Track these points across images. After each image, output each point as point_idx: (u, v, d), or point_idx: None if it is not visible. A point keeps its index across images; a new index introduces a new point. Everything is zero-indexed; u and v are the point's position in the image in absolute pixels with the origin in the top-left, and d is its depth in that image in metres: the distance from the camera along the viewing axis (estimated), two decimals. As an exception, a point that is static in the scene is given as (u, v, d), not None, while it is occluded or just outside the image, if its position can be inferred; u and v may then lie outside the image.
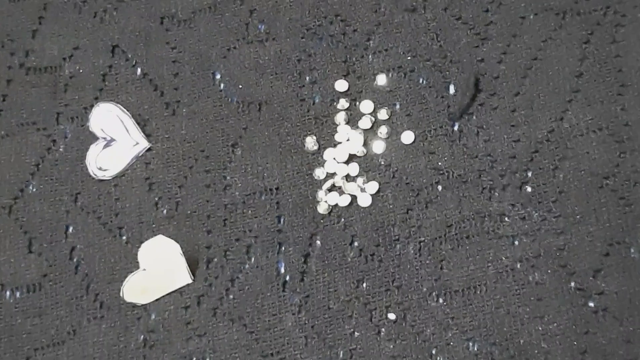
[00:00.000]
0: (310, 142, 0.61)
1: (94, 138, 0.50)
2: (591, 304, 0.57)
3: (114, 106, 0.52)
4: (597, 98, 0.61)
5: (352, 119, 0.62)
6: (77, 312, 0.59)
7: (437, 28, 0.63)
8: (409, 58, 0.63)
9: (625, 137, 0.60)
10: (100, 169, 0.50)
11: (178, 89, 0.63)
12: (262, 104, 0.63)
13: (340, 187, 0.60)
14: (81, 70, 0.64)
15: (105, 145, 0.50)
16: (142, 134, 0.51)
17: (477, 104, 0.62)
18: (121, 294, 0.58)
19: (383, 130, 0.61)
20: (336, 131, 0.62)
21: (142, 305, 0.59)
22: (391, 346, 0.57)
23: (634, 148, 0.60)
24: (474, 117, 0.61)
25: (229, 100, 0.63)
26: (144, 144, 0.51)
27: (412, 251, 0.58)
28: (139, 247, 0.57)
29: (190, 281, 0.59)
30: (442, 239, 0.58)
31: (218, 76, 0.64)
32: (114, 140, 0.50)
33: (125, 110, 0.51)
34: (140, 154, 0.51)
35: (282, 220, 0.60)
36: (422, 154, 0.60)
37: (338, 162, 0.61)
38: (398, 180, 0.60)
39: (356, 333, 0.57)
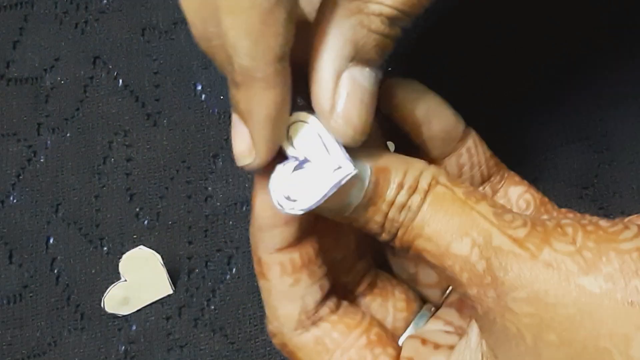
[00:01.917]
0: (291, 153, 0.61)
1: (281, 156, 0.38)
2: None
3: (313, 118, 0.38)
4: (576, 108, 0.62)
5: (333, 130, 0.62)
6: (57, 323, 0.59)
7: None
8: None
9: (605, 147, 0.61)
10: (288, 198, 0.37)
11: (159, 100, 0.63)
12: (243, 115, 0.63)
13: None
14: (62, 81, 0.64)
15: (297, 167, 0.38)
16: (347, 155, 0.38)
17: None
18: (102, 305, 0.58)
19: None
20: (317, 142, 0.62)
21: (123, 316, 0.59)
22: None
23: (612, 158, 0.60)
24: (454, 128, 0.62)
25: (210, 111, 0.63)
26: (348, 168, 0.37)
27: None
28: (120, 258, 0.57)
29: (171, 292, 0.59)
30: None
31: (199, 87, 0.64)
32: (307, 162, 0.38)
33: (322, 126, 0.38)
34: (342, 182, 0.37)
35: (263, 230, 0.60)
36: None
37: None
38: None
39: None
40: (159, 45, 0.65)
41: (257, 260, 0.42)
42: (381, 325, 0.44)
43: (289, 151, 0.38)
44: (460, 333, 0.43)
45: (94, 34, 0.66)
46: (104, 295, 0.57)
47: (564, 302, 0.35)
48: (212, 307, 0.59)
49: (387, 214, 0.39)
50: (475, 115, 0.62)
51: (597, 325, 0.34)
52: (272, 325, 0.43)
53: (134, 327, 0.59)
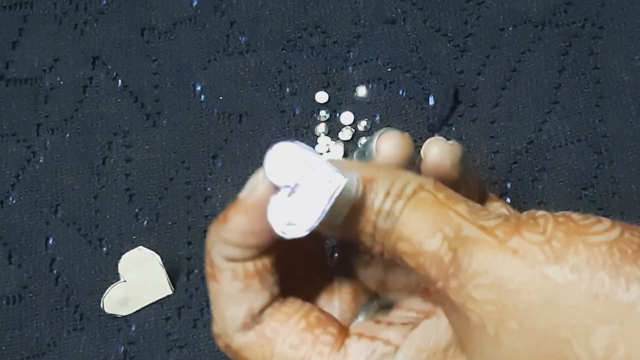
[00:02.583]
0: (291, 154, 0.61)
1: (274, 188, 0.39)
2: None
3: (295, 146, 0.39)
4: (576, 109, 0.62)
5: (333, 130, 0.62)
6: (57, 324, 0.59)
7: (417, 40, 0.64)
8: (388, 70, 0.63)
9: (604, 148, 0.61)
10: (289, 224, 0.38)
11: (159, 101, 0.63)
12: (242, 115, 0.63)
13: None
14: (62, 82, 0.64)
15: (290, 194, 0.39)
16: (334, 168, 0.38)
17: (457, 115, 0.62)
18: (101, 306, 0.58)
19: (363, 142, 0.62)
20: (316, 142, 0.62)
21: (123, 316, 0.59)
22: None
23: (612, 159, 0.60)
24: (454, 129, 0.62)
25: (210, 111, 0.63)
26: (339, 179, 0.38)
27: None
28: (119, 258, 0.57)
29: (170, 292, 0.59)
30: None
31: (198, 88, 0.64)
32: (298, 186, 0.39)
33: (304, 145, 0.39)
34: (336, 194, 0.38)
35: (262, 231, 0.60)
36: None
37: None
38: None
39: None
40: (158, 45, 0.65)
41: (210, 262, 0.42)
42: (324, 312, 0.44)
43: (279, 182, 0.39)
44: (423, 316, 0.43)
45: (93, 34, 0.66)
46: (104, 295, 0.57)
47: (527, 290, 0.35)
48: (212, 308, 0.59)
49: (375, 223, 0.40)
50: (475, 115, 0.62)
51: (559, 315, 0.34)
52: (217, 327, 0.43)
53: (133, 328, 0.59)
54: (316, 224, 0.38)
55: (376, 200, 0.40)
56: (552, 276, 0.35)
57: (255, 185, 0.40)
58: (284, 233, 0.38)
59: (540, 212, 0.38)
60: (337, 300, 0.46)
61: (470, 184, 0.46)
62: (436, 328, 0.41)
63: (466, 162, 0.45)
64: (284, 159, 0.39)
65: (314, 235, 0.40)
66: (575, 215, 0.37)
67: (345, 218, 0.40)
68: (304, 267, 0.46)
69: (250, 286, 0.41)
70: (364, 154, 0.44)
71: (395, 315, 0.45)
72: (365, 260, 0.45)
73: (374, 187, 0.40)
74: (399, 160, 0.43)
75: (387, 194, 0.40)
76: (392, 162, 0.43)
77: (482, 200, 0.48)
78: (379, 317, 0.44)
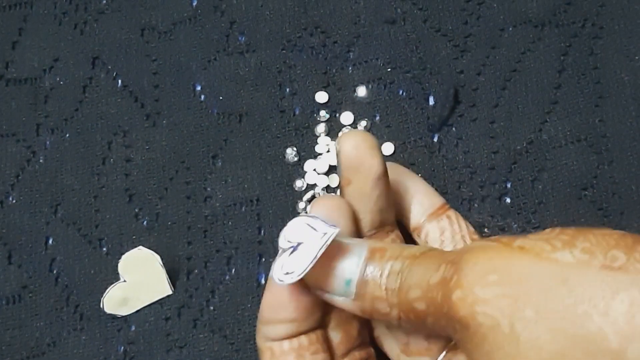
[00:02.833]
0: (291, 154, 0.61)
1: (280, 250, 0.44)
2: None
3: (302, 216, 0.45)
4: (576, 109, 0.62)
5: (333, 131, 0.62)
6: (57, 324, 0.59)
7: (417, 40, 0.64)
8: (388, 70, 0.63)
9: (604, 148, 0.61)
10: (286, 273, 0.43)
11: (158, 101, 0.63)
12: (242, 115, 0.63)
13: (320, 198, 0.60)
14: (61, 82, 0.64)
15: (292, 252, 0.43)
16: (327, 223, 0.43)
17: (457, 115, 0.62)
18: (101, 306, 0.58)
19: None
20: (316, 142, 0.62)
21: (123, 316, 0.59)
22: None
23: (612, 159, 0.60)
24: (454, 129, 0.62)
25: (210, 111, 0.63)
26: (331, 230, 0.42)
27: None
28: (119, 258, 0.57)
29: (170, 292, 0.59)
30: (421, 249, 0.59)
31: (198, 88, 0.64)
32: (301, 244, 0.43)
33: (312, 215, 0.45)
34: (328, 242, 0.42)
35: (262, 231, 0.60)
36: (401, 165, 0.61)
37: (318, 173, 0.61)
38: (378, 191, 0.60)
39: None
40: (158, 45, 0.65)
41: (257, 348, 0.45)
42: None
43: (286, 245, 0.43)
44: None
45: (93, 34, 0.66)
46: (103, 295, 0.57)
47: (538, 275, 0.35)
48: (212, 308, 0.59)
49: (386, 285, 0.41)
50: (475, 115, 0.62)
51: (574, 292, 0.34)
52: None
53: (133, 328, 0.59)
54: (308, 269, 0.42)
55: (386, 265, 0.41)
56: (561, 259, 0.35)
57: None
58: (279, 281, 0.42)
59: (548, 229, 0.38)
60: None
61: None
62: None
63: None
64: (293, 228, 0.44)
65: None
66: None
67: (358, 285, 0.42)
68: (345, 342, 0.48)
69: None
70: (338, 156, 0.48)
71: None
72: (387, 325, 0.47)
73: (384, 255, 0.42)
74: (359, 158, 0.45)
75: (396, 257, 0.42)
76: (353, 160, 0.46)
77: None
78: None
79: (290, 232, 0.44)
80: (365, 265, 0.42)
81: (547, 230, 0.38)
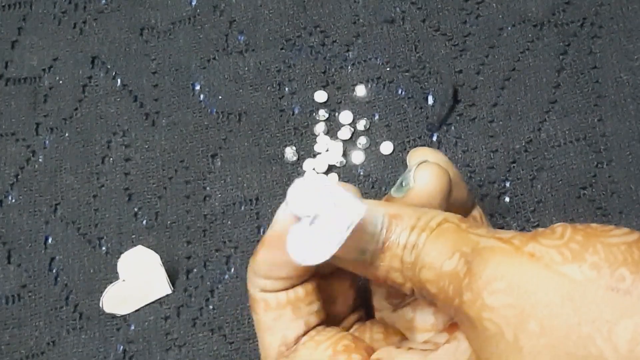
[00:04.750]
0: (290, 153, 0.61)
1: (295, 218, 0.40)
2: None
3: (314, 178, 0.40)
4: (575, 109, 0.62)
5: (332, 130, 0.62)
6: (56, 323, 0.59)
7: (416, 39, 0.64)
8: (387, 69, 0.63)
9: (603, 147, 0.61)
10: (308, 252, 0.39)
11: (158, 100, 0.63)
12: (241, 115, 0.63)
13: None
14: (61, 81, 0.64)
15: (311, 223, 0.39)
16: (355, 198, 0.39)
17: (456, 114, 0.62)
18: (101, 305, 0.58)
19: (362, 141, 0.62)
20: (315, 142, 0.62)
21: (122, 315, 0.59)
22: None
23: (610, 158, 0.60)
24: (453, 128, 0.62)
25: (209, 111, 0.63)
26: (358, 209, 0.39)
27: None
28: (118, 257, 0.57)
29: (169, 292, 0.59)
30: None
31: (197, 87, 0.64)
32: (318, 216, 0.39)
33: (326, 179, 0.42)
34: (355, 223, 0.39)
35: (261, 230, 0.60)
36: (401, 164, 0.61)
37: (317, 173, 0.61)
38: (377, 190, 0.60)
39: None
40: (158, 45, 0.65)
41: (249, 295, 0.44)
42: (357, 339, 0.44)
43: (301, 213, 0.39)
44: (443, 341, 0.44)
45: (93, 34, 0.66)
46: (103, 295, 0.57)
47: (545, 289, 0.35)
48: (211, 307, 0.59)
49: (402, 257, 0.40)
50: (474, 115, 0.62)
51: (579, 311, 0.34)
52: (261, 356, 0.45)
53: (132, 327, 0.59)
54: (333, 252, 0.39)
55: (402, 234, 0.40)
56: (570, 274, 0.35)
57: (277, 219, 0.42)
58: (303, 260, 0.39)
59: (559, 224, 0.38)
60: (368, 338, 0.46)
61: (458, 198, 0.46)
62: (455, 351, 0.41)
63: (455, 178, 0.46)
64: (306, 192, 0.40)
65: (348, 274, 0.42)
66: (594, 224, 0.37)
67: (373, 254, 0.41)
68: (338, 308, 0.47)
69: (283, 316, 0.43)
70: (402, 185, 0.44)
71: (417, 341, 0.45)
72: (394, 303, 0.47)
73: (400, 223, 0.41)
74: (435, 192, 0.44)
75: (413, 228, 0.40)
76: (428, 192, 0.43)
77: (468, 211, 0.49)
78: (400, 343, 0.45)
79: (304, 198, 0.40)
80: (384, 234, 0.41)
81: (558, 228, 0.37)
